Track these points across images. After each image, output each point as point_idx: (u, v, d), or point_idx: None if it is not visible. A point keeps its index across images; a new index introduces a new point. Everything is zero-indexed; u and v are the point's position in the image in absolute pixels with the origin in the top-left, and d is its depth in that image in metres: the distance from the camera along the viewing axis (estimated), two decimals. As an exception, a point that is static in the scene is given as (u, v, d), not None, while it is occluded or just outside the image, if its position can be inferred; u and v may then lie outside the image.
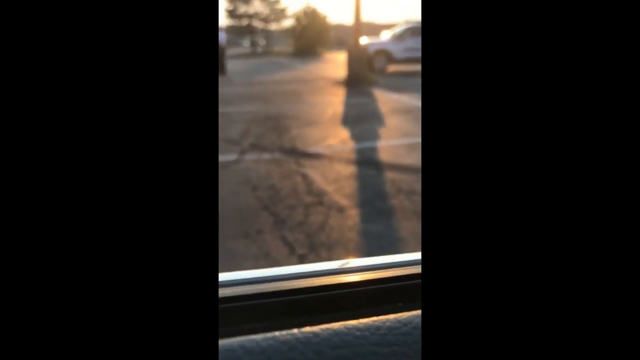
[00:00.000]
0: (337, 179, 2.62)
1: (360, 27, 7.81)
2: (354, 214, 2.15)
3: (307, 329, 0.28)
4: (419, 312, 0.30)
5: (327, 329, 0.28)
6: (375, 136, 3.86)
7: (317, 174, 2.72)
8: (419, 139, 3.68)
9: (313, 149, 3.34)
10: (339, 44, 19.42)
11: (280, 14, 30.60)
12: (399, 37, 9.98)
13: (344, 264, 0.39)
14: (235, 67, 12.79)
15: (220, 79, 9.61)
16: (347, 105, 5.53)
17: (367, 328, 0.28)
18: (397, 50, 9.79)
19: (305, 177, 2.66)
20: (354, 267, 0.38)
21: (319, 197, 2.33)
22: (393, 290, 0.35)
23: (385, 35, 10.50)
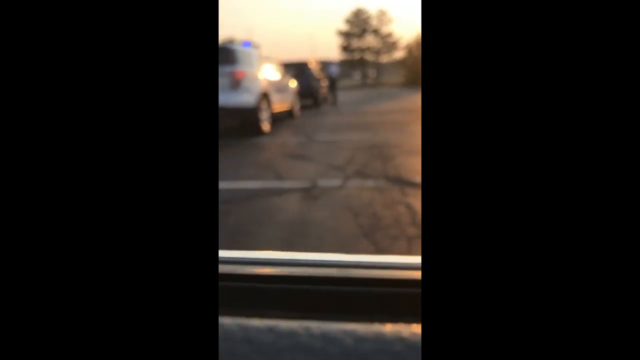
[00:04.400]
0: (443, 212, 2.45)
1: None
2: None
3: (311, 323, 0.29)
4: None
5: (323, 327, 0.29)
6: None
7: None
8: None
9: (418, 178, 3.22)
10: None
11: (392, 47, 31.19)
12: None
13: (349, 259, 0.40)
14: (345, 98, 13.25)
15: (331, 109, 10.02)
16: (458, 135, 5.26)
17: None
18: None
19: (409, 207, 2.55)
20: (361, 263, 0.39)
21: (423, 230, 2.20)
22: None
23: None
